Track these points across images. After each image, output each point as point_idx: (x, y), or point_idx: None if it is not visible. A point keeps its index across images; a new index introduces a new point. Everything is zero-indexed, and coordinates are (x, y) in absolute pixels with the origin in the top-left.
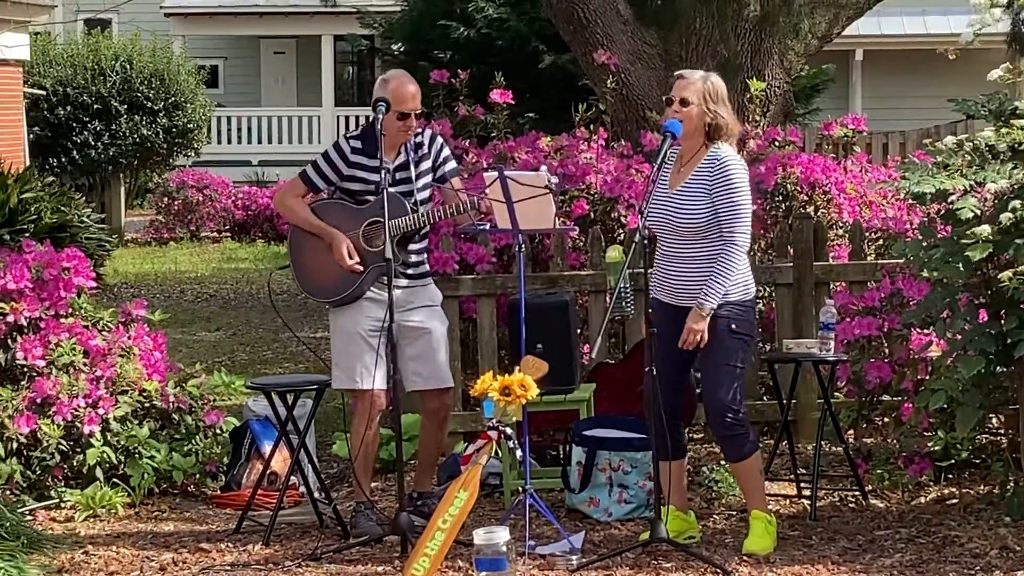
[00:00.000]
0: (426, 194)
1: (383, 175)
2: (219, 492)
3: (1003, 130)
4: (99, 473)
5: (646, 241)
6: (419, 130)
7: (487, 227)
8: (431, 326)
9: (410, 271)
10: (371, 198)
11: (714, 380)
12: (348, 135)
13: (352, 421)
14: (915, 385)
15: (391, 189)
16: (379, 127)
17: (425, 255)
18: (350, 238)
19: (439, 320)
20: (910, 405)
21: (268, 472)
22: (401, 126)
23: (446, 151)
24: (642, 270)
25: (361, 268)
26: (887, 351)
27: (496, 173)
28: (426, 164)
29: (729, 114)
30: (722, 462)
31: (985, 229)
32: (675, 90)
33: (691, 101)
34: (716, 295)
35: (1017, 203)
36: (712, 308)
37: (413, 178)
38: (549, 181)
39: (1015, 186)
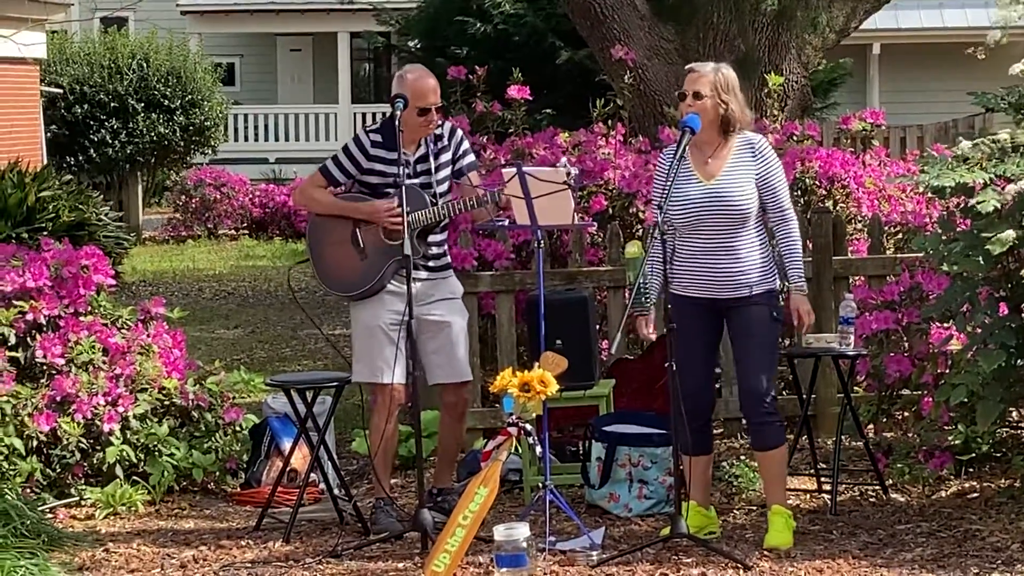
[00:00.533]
0: (446, 187)
1: (400, 170)
2: (239, 489)
3: (1020, 131)
4: (119, 471)
5: (665, 237)
6: (439, 123)
7: (506, 223)
8: (451, 319)
9: (431, 263)
10: (391, 191)
11: (755, 367)
12: (368, 128)
13: (371, 417)
14: (935, 379)
15: (411, 181)
16: (398, 123)
17: (445, 247)
18: (370, 232)
19: (459, 313)
20: (930, 399)
21: (288, 469)
22: (422, 121)
23: (465, 144)
24: (666, 264)
25: (399, 228)
26: (907, 345)
27: (515, 169)
28: (446, 156)
29: (740, 104)
30: (742, 457)
31: (1011, 234)
32: (687, 84)
33: (704, 94)
34: (802, 273)
35: None
36: (805, 289)
37: (433, 170)
38: (569, 174)
39: None
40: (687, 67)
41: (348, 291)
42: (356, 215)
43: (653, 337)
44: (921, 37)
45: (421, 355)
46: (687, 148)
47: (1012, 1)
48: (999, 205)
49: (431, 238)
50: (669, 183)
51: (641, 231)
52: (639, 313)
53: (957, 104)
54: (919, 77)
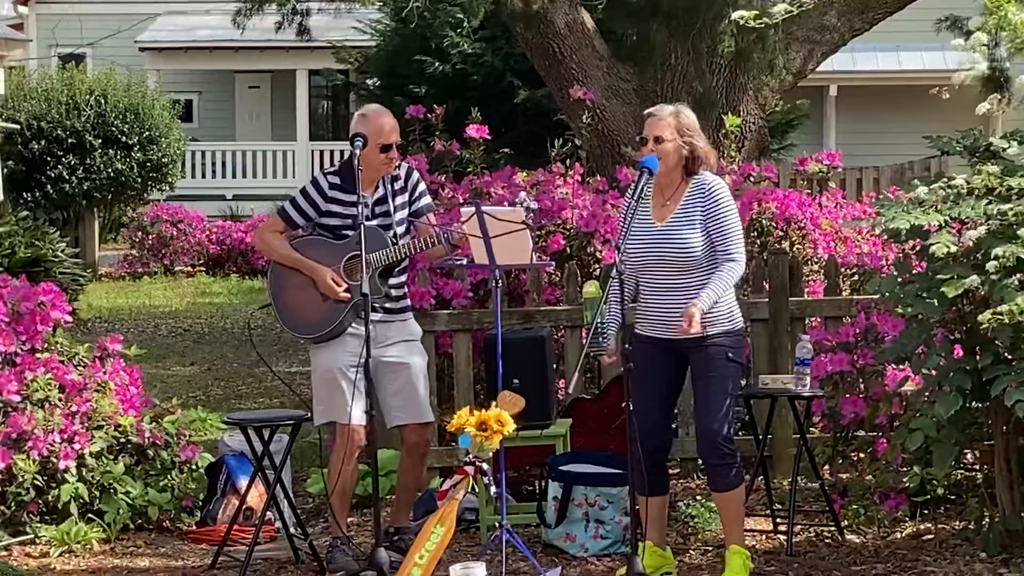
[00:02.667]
0: (404, 228)
1: (360, 209)
2: (195, 527)
3: (976, 176)
4: (74, 508)
5: (623, 277)
6: (397, 164)
7: (464, 262)
8: (410, 360)
9: (388, 304)
10: (350, 233)
11: (710, 408)
12: (326, 171)
13: (330, 456)
14: (889, 420)
15: (370, 223)
16: (356, 161)
17: (405, 289)
18: (332, 271)
19: (419, 354)
20: (884, 442)
21: (244, 507)
22: (384, 158)
23: (422, 186)
24: (624, 304)
25: (348, 296)
26: (862, 386)
27: (473, 208)
28: (403, 198)
29: (705, 143)
30: (699, 497)
31: (974, 279)
32: (648, 129)
33: (666, 138)
34: (710, 299)
35: (1000, 250)
36: (704, 308)
37: (392, 211)
38: (528, 210)
39: (990, 223)
40: (646, 112)
41: (309, 333)
42: (304, 272)
43: (607, 361)
44: (878, 79)
45: (380, 396)
46: (652, 188)
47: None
48: (953, 248)
49: (391, 280)
50: (626, 223)
51: (599, 271)
52: (596, 353)
53: (913, 146)
54: (875, 119)
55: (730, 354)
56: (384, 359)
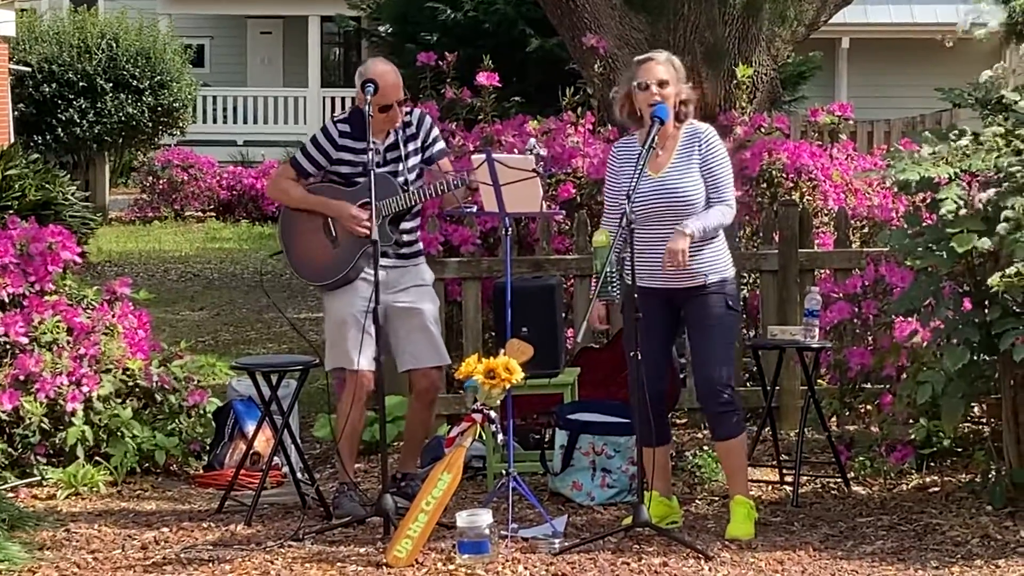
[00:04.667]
0: (416, 174)
1: (371, 156)
2: (202, 472)
3: (986, 129)
4: (80, 452)
5: (632, 226)
6: (408, 110)
7: (474, 210)
8: (422, 306)
9: (403, 250)
10: (361, 180)
11: (710, 357)
12: (336, 119)
13: (339, 402)
14: (897, 371)
15: (382, 169)
16: (368, 108)
17: (417, 234)
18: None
19: (430, 300)
20: (891, 396)
21: (251, 452)
22: (384, 118)
23: (435, 132)
24: (628, 255)
25: (367, 232)
26: (870, 339)
27: (484, 155)
28: (415, 144)
29: (692, 92)
30: (705, 447)
31: (985, 242)
32: (646, 74)
33: (668, 82)
34: (700, 228)
35: (1011, 204)
36: (692, 234)
37: (403, 158)
38: (538, 157)
39: (1002, 178)
40: (638, 58)
41: (321, 280)
42: (325, 212)
43: (599, 326)
44: (891, 32)
45: (392, 342)
46: (646, 139)
47: None
48: (961, 205)
49: (402, 225)
50: (638, 171)
51: None
52: (605, 300)
53: (925, 99)
54: (888, 72)
55: (729, 302)
56: (396, 304)
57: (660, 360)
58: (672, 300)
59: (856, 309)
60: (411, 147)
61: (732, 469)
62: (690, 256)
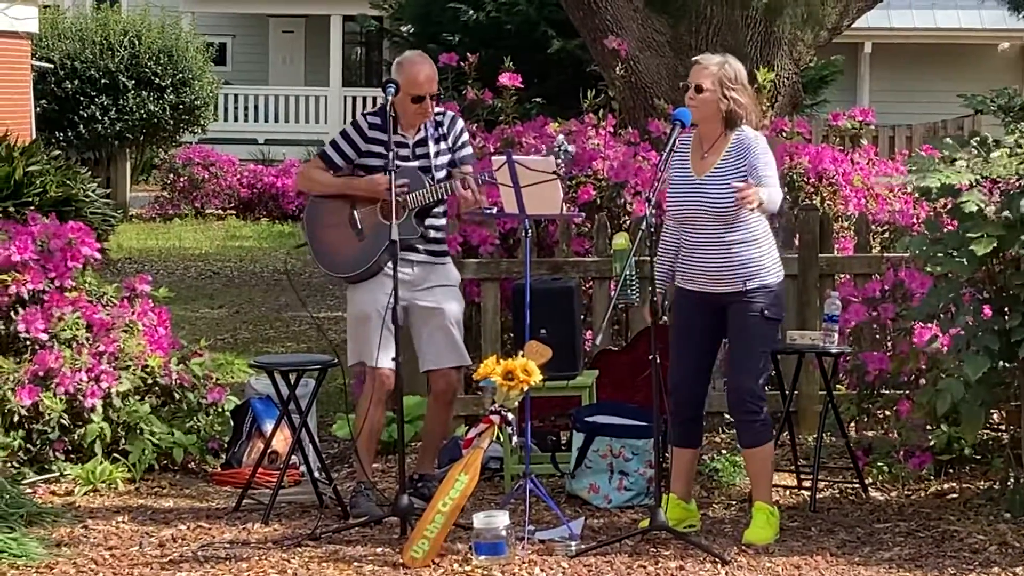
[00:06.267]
0: (444, 173)
1: (391, 156)
2: (219, 470)
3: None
4: (98, 448)
5: (652, 229)
6: (440, 109)
7: (494, 211)
8: (445, 306)
9: (430, 246)
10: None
11: (742, 363)
12: (366, 112)
13: (358, 400)
14: (916, 375)
15: (410, 164)
16: (388, 108)
17: (444, 233)
18: (367, 213)
19: (455, 301)
20: (907, 403)
21: (269, 451)
22: (417, 108)
23: (465, 136)
24: (648, 258)
25: (406, 185)
26: (890, 345)
27: (504, 157)
28: (444, 144)
29: (749, 98)
30: (723, 451)
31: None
32: (692, 76)
33: (705, 88)
34: (767, 196)
35: None
36: (762, 200)
37: (431, 154)
38: (564, 150)
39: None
40: (694, 59)
41: (345, 272)
42: (355, 191)
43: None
44: (913, 37)
45: (414, 341)
46: (691, 140)
47: None
48: (982, 206)
49: (430, 221)
50: (659, 176)
51: (628, 222)
52: (624, 303)
53: (946, 105)
54: (910, 77)
55: (767, 312)
56: (420, 303)
57: (698, 363)
58: (713, 304)
59: (874, 313)
60: (441, 146)
61: (756, 476)
62: (730, 260)
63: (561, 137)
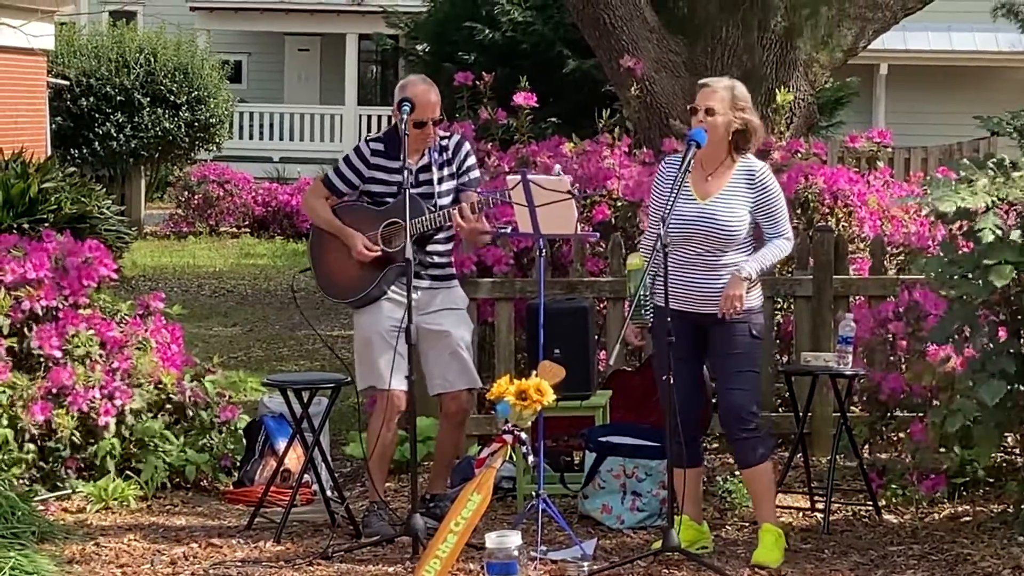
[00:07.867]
0: (449, 199)
1: (405, 175)
2: (232, 488)
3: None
4: (111, 465)
5: (666, 249)
6: (446, 134)
7: (508, 231)
8: (452, 330)
9: (433, 271)
10: (390, 200)
11: (733, 384)
12: (369, 138)
13: (370, 421)
14: (930, 395)
15: (413, 190)
16: (403, 127)
17: (449, 257)
18: (369, 239)
19: (464, 324)
20: (920, 426)
21: (281, 469)
22: (419, 134)
23: (471, 160)
24: (662, 278)
25: (380, 253)
26: (903, 368)
27: (519, 176)
28: (449, 169)
29: (756, 120)
30: (736, 472)
31: None
32: (700, 99)
33: (716, 111)
34: (757, 270)
35: None
36: (749, 277)
37: (435, 181)
38: (569, 184)
39: None
40: (700, 81)
41: (347, 297)
42: (340, 238)
43: (636, 341)
44: (929, 59)
45: (422, 364)
46: (682, 162)
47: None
48: (999, 234)
49: (431, 247)
50: (673, 196)
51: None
52: (639, 324)
53: (962, 127)
54: (925, 99)
55: (754, 331)
56: (427, 326)
57: (693, 383)
58: (700, 325)
59: (883, 330)
60: (445, 172)
61: (758, 496)
62: (717, 283)
63: (557, 167)
